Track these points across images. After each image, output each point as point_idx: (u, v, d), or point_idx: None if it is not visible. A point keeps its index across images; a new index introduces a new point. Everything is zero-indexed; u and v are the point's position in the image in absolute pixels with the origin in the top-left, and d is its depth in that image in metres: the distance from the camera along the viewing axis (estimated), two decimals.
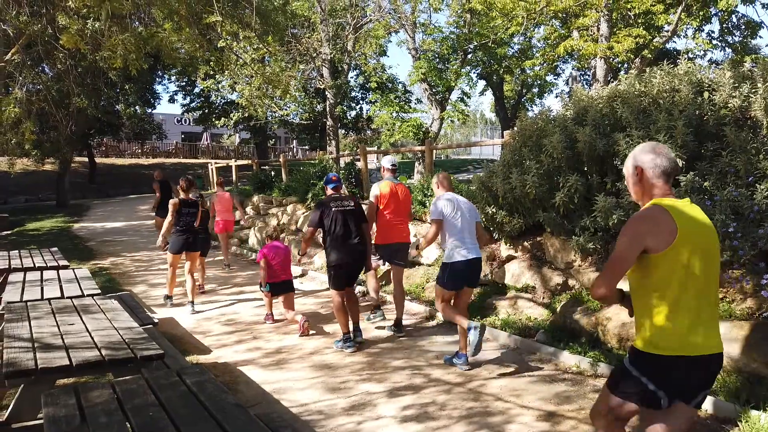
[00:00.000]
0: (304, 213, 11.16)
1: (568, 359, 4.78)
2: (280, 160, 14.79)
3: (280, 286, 6.41)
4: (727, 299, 4.42)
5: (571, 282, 5.83)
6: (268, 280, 6.37)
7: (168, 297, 7.51)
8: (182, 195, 7.30)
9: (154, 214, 12.62)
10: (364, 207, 5.93)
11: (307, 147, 39.38)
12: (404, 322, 6.10)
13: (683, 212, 2.24)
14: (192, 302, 7.17)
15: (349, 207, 5.49)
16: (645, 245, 2.20)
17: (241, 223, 12.91)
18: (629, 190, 2.49)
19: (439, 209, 4.87)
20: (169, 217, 7.13)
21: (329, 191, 5.70)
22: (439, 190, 5.14)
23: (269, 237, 6.86)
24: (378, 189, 6.07)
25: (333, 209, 5.40)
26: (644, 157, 2.37)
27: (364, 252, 5.58)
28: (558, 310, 5.56)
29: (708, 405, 3.74)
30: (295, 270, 8.30)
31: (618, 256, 2.26)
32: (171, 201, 7.26)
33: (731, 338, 4.01)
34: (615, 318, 4.86)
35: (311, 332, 6.04)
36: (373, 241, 5.97)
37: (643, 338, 2.27)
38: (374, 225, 6.15)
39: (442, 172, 5.47)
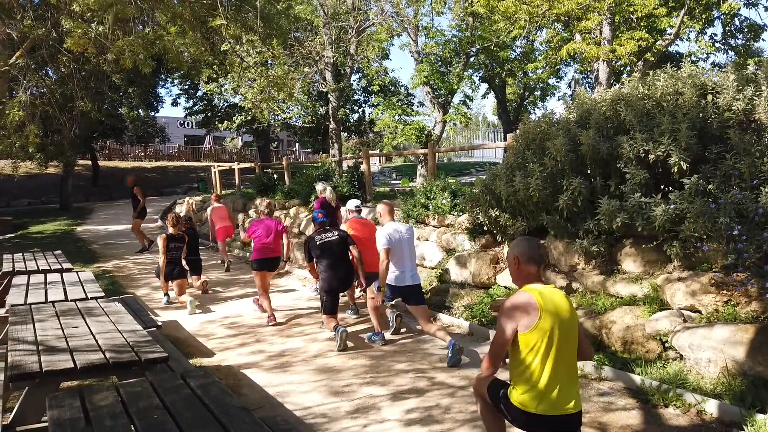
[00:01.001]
0: (306, 216, 11.16)
1: None
2: (283, 163, 14.80)
3: (267, 262, 6.70)
4: (732, 302, 4.41)
5: (575, 285, 5.82)
6: (255, 257, 6.69)
7: (166, 294, 7.95)
8: (171, 230, 7.88)
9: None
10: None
11: (309, 150, 39.44)
12: (406, 325, 6.11)
13: (546, 296, 2.72)
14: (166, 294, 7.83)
15: (333, 238, 6.03)
16: (517, 325, 2.70)
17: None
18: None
19: (386, 239, 5.47)
20: (161, 255, 7.69)
21: (316, 227, 6.26)
22: (384, 218, 5.73)
23: (263, 213, 7.21)
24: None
25: (318, 242, 6.01)
26: (519, 249, 2.87)
27: (350, 275, 6.12)
28: None
29: (713, 409, 3.73)
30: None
31: (498, 340, 2.78)
32: (160, 237, 7.91)
33: (736, 341, 4.00)
34: (619, 321, 4.85)
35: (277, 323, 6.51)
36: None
37: (515, 397, 2.75)
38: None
39: (387, 202, 5.98)
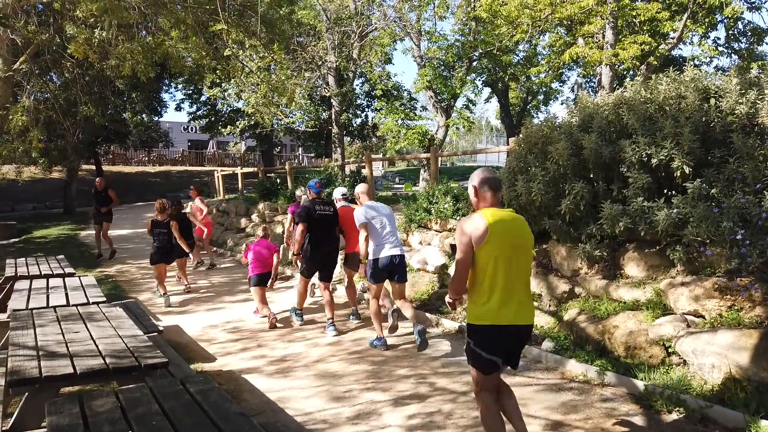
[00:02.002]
0: None
1: (575, 368, 4.74)
2: (286, 167, 14.81)
3: (261, 277, 7.01)
4: (736, 307, 4.38)
5: (577, 290, 5.79)
6: (255, 273, 7.00)
7: (162, 294, 8.11)
8: (157, 216, 8.36)
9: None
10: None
11: (312, 154, 39.49)
12: (408, 330, 6.09)
13: (497, 217, 2.92)
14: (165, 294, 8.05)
15: (329, 212, 6.53)
16: (471, 241, 2.89)
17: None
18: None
19: (363, 216, 5.75)
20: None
21: (314, 195, 6.66)
22: (362, 198, 6.10)
23: (258, 236, 7.51)
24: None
25: (317, 212, 6.44)
26: (477, 178, 3.11)
27: (335, 251, 6.63)
28: (564, 318, 5.52)
29: (717, 415, 3.70)
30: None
31: (459, 258, 2.96)
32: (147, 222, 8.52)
33: (740, 347, 3.97)
34: (622, 326, 4.82)
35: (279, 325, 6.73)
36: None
37: (471, 313, 2.97)
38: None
39: (365, 185, 6.34)
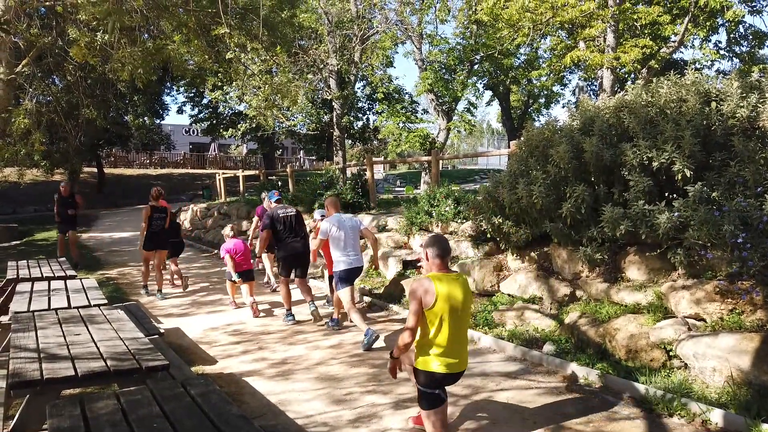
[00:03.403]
0: (307, 222, 11.15)
1: (576, 371, 4.73)
2: (287, 170, 14.84)
3: (245, 274, 7.72)
4: (737, 310, 4.37)
5: (578, 293, 5.79)
6: (236, 270, 7.69)
7: (144, 286, 8.92)
8: (152, 202, 8.77)
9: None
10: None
11: (314, 157, 39.53)
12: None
13: (444, 282, 3.47)
14: (159, 291, 8.65)
15: (291, 213, 7.16)
16: (422, 302, 3.43)
17: None
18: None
19: (326, 229, 6.28)
20: (143, 224, 8.66)
21: (275, 203, 7.36)
22: (330, 211, 6.55)
23: (228, 236, 8.15)
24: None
25: (281, 215, 7.04)
26: (428, 246, 3.63)
27: (306, 250, 7.06)
28: (565, 321, 5.52)
29: (718, 418, 3.69)
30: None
31: (412, 314, 3.48)
32: (144, 208, 8.79)
33: (741, 350, 3.96)
34: (623, 329, 4.82)
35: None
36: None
37: (421, 362, 3.52)
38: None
39: (333, 197, 6.90)
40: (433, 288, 3.43)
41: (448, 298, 3.43)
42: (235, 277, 7.69)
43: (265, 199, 9.04)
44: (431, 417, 3.53)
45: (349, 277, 6.28)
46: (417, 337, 3.54)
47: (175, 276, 9.46)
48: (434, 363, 3.45)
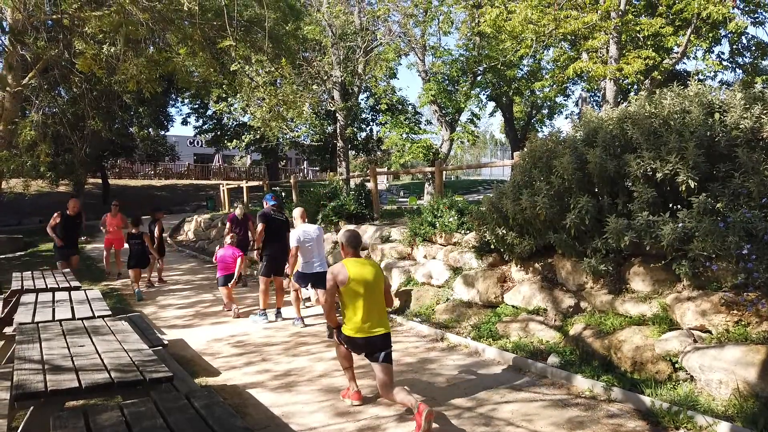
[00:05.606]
0: None
1: (581, 383, 4.70)
2: (291, 181, 14.88)
3: (231, 277, 8.26)
4: (743, 322, 4.35)
5: (583, 304, 5.77)
6: (223, 273, 8.24)
7: (136, 291, 9.52)
8: (131, 230, 10.18)
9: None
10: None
11: (317, 168, 39.62)
12: (413, 344, 6.08)
13: (355, 265, 4.38)
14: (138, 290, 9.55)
15: (281, 219, 7.90)
16: (336, 282, 4.33)
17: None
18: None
19: (296, 238, 6.90)
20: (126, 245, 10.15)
21: (271, 206, 7.92)
22: (297, 222, 7.20)
23: (226, 244, 8.69)
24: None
25: (275, 218, 7.77)
26: (342, 237, 4.60)
27: (287, 251, 7.36)
28: (570, 332, 5.49)
29: (725, 431, 3.66)
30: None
31: (327, 292, 4.45)
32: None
33: (747, 362, 3.94)
34: (628, 341, 4.80)
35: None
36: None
37: (344, 329, 4.39)
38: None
39: (300, 208, 7.60)
40: (345, 270, 4.32)
41: (360, 278, 4.31)
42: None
43: (232, 210, 9.44)
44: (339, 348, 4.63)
45: (310, 278, 7.04)
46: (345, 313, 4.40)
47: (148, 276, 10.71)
48: (352, 331, 4.30)
